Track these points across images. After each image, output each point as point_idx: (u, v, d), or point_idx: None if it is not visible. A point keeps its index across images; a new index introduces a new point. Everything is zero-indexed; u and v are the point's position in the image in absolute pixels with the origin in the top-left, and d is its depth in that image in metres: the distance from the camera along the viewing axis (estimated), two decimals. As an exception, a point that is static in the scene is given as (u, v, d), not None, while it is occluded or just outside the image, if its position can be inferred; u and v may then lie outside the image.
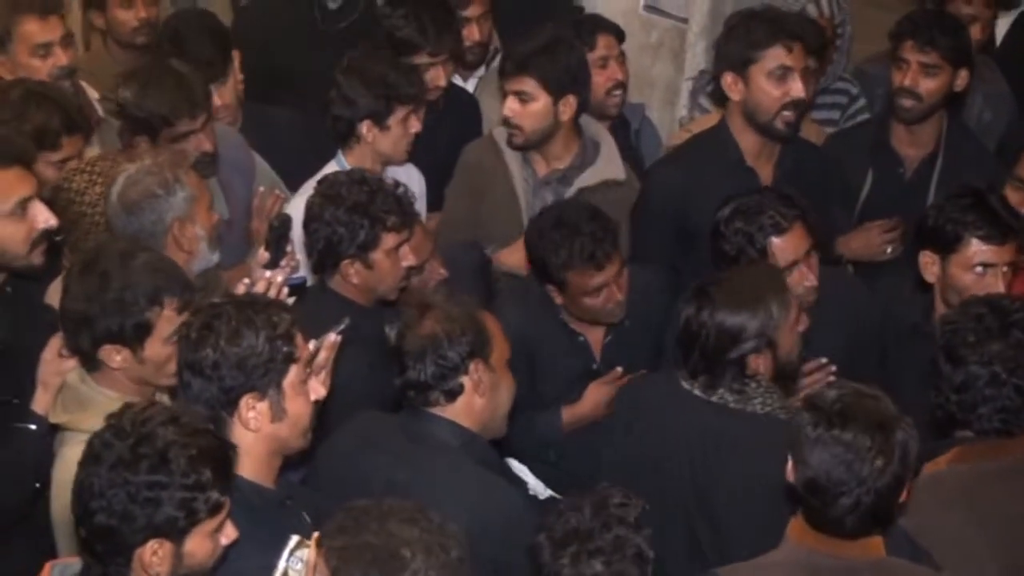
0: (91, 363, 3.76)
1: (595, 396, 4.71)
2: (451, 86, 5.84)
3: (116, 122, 5.43)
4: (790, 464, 3.33)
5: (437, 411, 3.75)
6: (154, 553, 2.95)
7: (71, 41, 5.36)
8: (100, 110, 5.49)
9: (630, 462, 4.08)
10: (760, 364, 3.96)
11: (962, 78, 5.24)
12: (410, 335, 3.74)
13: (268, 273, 4.19)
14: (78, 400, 3.75)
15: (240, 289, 3.92)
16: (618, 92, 5.68)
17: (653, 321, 4.77)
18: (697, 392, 3.99)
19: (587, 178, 5.20)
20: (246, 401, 3.32)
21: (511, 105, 5.15)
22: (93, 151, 4.89)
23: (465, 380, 3.73)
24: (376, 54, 5.28)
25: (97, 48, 5.82)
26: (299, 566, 3.08)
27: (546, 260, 4.60)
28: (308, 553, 3.02)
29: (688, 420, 3.99)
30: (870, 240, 5.28)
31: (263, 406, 3.33)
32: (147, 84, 4.78)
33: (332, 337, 3.69)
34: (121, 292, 3.67)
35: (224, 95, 5.30)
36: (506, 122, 5.19)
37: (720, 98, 5.26)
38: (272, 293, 4.02)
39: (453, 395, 3.74)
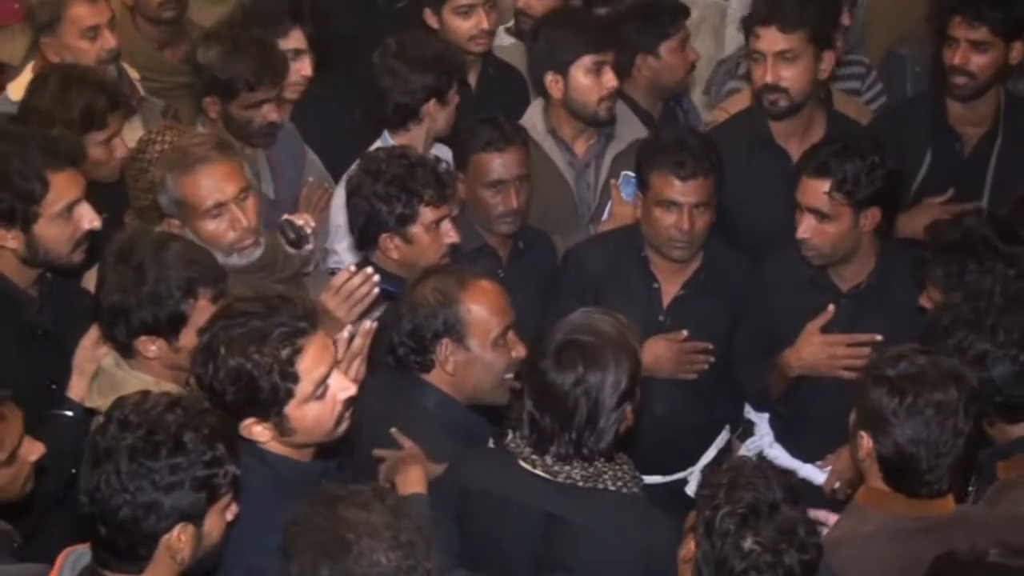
0: (126, 351, 3.77)
1: (654, 349, 4.68)
2: (499, 60, 5.82)
3: (158, 102, 5.48)
4: (866, 441, 3.39)
5: (421, 375, 3.90)
6: (179, 537, 2.95)
7: (115, 23, 5.36)
8: (141, 90, 5.50)
9: (464, 561, 3.59)
10: (630, 415, 3.57)
11: (1017, 50, 5.07)
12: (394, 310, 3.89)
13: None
14: (113, 384, 3.75)
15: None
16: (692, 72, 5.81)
17: (728, 297, 4.78)
18: (540, 472, 3.53)
19: (617, 144, 5.25)
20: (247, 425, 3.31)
21: (614, 75, 5.17)
22: (136, 131, 4.89)
23: (434, 357, 3.86)
24: (419, 35, 5.27)
25: (126, 24, 5.81)
26: None
27: (643, 157, 4.70)
28: None
29: (530, 507, 3.51)
30: (934, 218, 5.06)
31: (267, 427, 3.32)
32: (234, 48, 4.82)
33: (367, 324, 3.72)
34: (156, 284, 3.68)
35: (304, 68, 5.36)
36: (604, 97, 5.15)
37: None
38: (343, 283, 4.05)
39: (426, 368, 3.88)
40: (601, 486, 3.51)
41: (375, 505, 2.89)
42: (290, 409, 3.29)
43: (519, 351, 3.92)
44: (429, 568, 2.89)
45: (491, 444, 4.07)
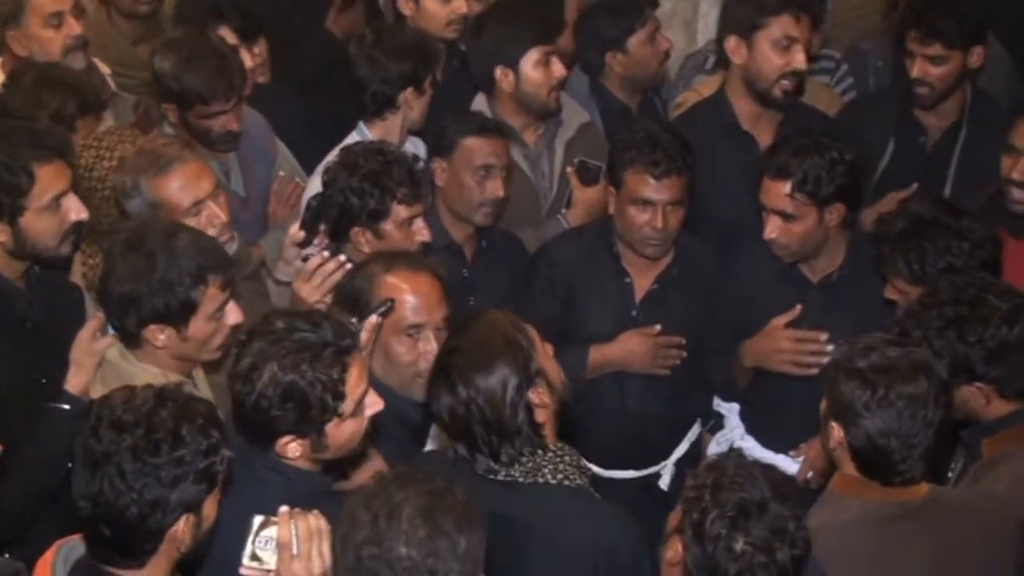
0: (134, 341, 3.76)
1: (627, 343, 4.75)
2: (463, 53, 5.83)
3: (129, 96, 5.43)
4: (837, 431, 3.41)
5: None
6: (183, 529, 2.97)
7: (81, 11, 5.32)
8: (112, 84, 5.46)
9: None
10: (540, 398, 3.43)
11: (976, 55, 5.18)
12: None
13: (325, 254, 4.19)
14: (119, 376, 3.71)
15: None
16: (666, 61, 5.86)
17: (701, 290, 4.81)
18: (480, 472, 3.42)
19: (565, 131, 5.31)
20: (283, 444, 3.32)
21: (562, 64, 5.27)
22: (107, 124, 4.84)
23: None
24: (394, 25, 5.29)
25: (101, 19, 5.77)
26: (269, 546, 3.06)
27: (616, 155, 4.70)
28: (276, 531, 3.04)
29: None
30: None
31: (302, 443, 3.32)
32: (189, 60, 4.77)
33: (373, 319, 3.74)
34: (167, 272, 3.67)
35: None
36: (554, 88, 5.23)
37: (724, 61, 5.25)
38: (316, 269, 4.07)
39: None
40: (542, 480, 3.40)
41: (422, 485, 2.93)
42: (330, 427, 3.29)
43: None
44: (448, 569, 2.88)
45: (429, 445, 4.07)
